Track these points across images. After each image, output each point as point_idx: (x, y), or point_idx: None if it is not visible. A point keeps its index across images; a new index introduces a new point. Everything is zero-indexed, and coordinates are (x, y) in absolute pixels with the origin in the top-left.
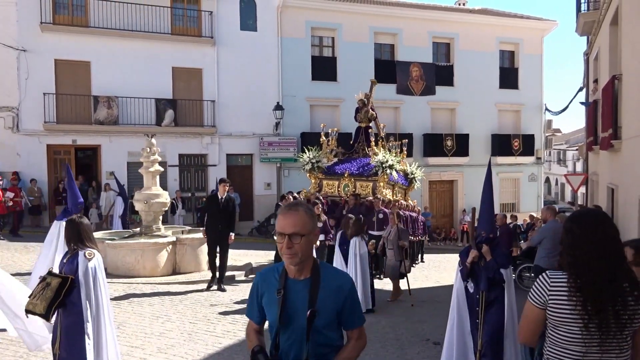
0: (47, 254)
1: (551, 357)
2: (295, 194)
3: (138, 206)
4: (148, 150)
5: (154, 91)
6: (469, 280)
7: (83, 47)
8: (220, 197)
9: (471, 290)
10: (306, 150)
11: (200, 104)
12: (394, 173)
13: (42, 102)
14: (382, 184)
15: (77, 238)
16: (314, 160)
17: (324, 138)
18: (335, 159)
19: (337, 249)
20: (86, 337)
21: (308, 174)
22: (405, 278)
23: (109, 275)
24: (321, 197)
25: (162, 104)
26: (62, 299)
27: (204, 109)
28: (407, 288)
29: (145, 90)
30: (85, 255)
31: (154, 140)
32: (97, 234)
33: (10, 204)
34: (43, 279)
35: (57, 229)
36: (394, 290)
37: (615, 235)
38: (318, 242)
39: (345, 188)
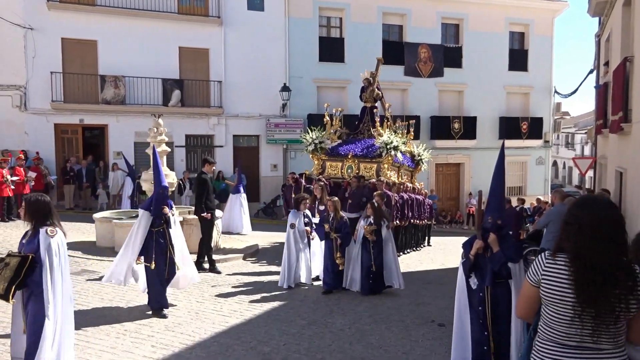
0: (134, 241)
1: (542, 334)
2: (297, 175)
3: (145, 186)
4: (155, 130)
5: (160, 71)
6: (472, 276)
7: (90, 25)
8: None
9: (473, 287)
10: (309, 131)
11: (207, 84)
12: (399, 154)
13: (50, 81)
14: (386, 165)
15: (39, 216)
16: (317, 141)
17: (328, 118)
18: (339, 141)
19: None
20: (46, 319)
21: (311, 155)
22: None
23: (116, 254)
24: (323, 179)
25: (169, 84)
26: (22, 279)
27: (210, 89)
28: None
29: (152, 70)
30: (47, 232)
31: (161, 121)
32: (104, 214)
33: (33, 183)
34: (1, 260)
35: (140, 217)
36: None
37: (622, 223)
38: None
39: (349, 170)
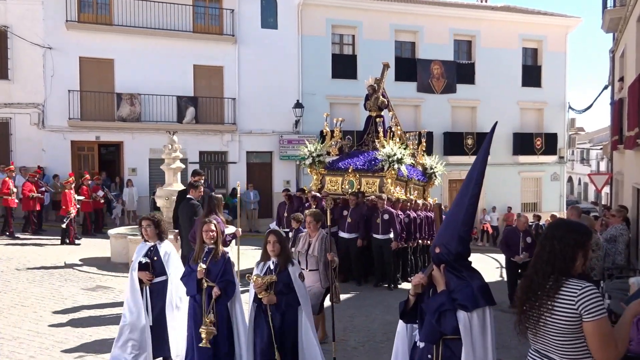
0: None
1: None
2: (291, 192)
3: (159, 202)
4: (170, 147)
5: (175, 89)
6: (414, 326)
7: (107, 45)
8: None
9: (419, 344)
10: (307, 144)
11: (221, 101)
12: (403, 168)
13: (67, 99)
14: (389, 180)
15: None
16: (314, 154)
17: (327, 129)
18: (339, 155)
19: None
20: None
21: (309, 169)
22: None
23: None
24: (319, 195)
25: (184, 102)
26: None
27: (224, 106)
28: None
29: (167, 88)
30: None
31: (175, 138)
32: (120, 229)
33: (102, 201)
34: None
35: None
36: (320, 328)
37: None
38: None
39: (349, 185)
